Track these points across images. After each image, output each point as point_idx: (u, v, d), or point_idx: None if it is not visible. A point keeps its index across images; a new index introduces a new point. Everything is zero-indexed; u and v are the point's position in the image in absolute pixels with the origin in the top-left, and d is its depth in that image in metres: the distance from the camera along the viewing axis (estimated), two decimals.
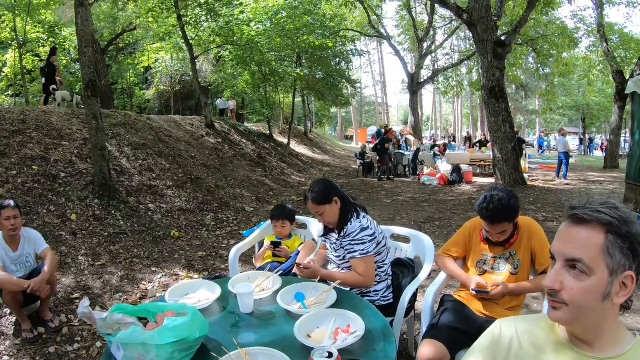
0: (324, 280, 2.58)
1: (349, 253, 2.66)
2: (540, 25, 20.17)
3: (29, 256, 3.75)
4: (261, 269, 3.43)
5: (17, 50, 14.70)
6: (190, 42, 14.17)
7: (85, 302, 1.69)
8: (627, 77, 17.64)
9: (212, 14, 13.75)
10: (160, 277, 5.20)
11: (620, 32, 21.75)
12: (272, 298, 2.29)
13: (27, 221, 5.33)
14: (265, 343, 1.79)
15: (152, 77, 23.45)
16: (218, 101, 21.56)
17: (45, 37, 16.91)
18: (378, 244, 2.72)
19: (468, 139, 25.09)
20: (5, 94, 17.45)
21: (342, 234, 2.69)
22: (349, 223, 2.68)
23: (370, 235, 2.65)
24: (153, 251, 6.01)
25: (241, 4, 14.56)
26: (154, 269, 5.44)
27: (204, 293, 2.34)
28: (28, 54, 16.63)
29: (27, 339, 3.61)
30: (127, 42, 20.23)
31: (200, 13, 13.83)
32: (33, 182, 6.26)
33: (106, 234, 6.06)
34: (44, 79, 11.85)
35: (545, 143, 34.37)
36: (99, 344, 3.64)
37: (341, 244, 2.72)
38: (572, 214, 1.12)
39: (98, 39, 16.47)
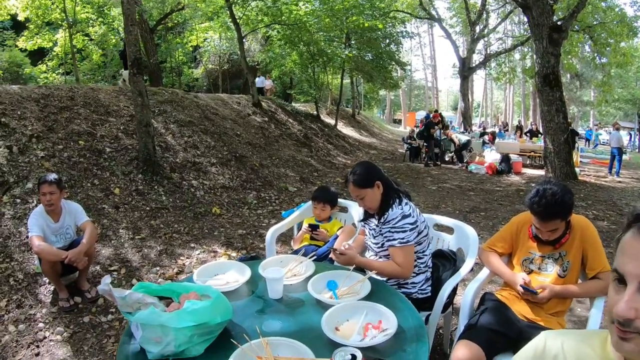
0: (360, 269, 2.47)
1: (388, 241, 2.53)
2: (598, 11, 19.11)
3: (69, 228, 3.82)
4: (297, 251, 3.36)
5: (67, 30, 15.13)
6: (238, 21, 14.16)
7: (107, 279, 1.65)
8: None
9: None
10: (199, 253, 5.24)
11: None
12: (303, 284, 2.20)
13: (71, 194, 5.49)
14: (291, 333, 1.71)
15: (201, 56, 23.69)
16: (257, 79, 21.16)
17: (94, 17, 17.32)
18: (419, 234, 2.58)
19: (519, 128, 24.31)
20: (57, 72, 18.02)
21: (382, 220, 2.56)
22: (390, 209, 2.54)
23: (411, 224, 2.51)
24: (193, 227, 6.05)
25: None
26: (192, 244, 5.49)
27: (233, 275, 2.28)
28: (78, 34, 17.13)
29: (63, 307, 3.70)
30: (175, 21, 20.35)
31: None
32: (79, 156, 6.39)
33: (148, 208, 6.14)
34: (122, 61, 12.62)
35: (593, 136, 32.83)
36: None
37: (380, 231, 2.58)
38: None
39: (147, 19, 16.66)
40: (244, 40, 14.96)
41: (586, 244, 2.33)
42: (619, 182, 12.96)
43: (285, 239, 5.44)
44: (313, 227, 3.50)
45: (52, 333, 3.40)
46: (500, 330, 2.23)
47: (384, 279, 2.57)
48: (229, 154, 9.25)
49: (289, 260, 2.49)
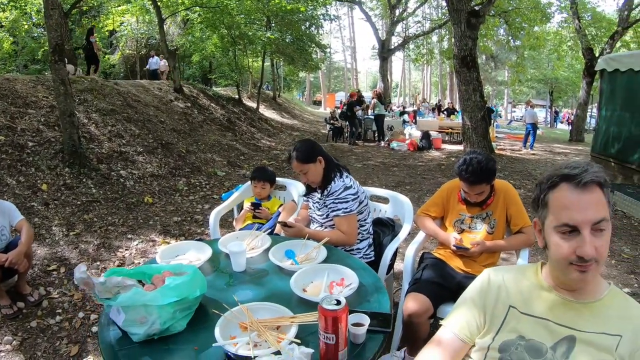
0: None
1: (333, 211, 2.74)
2: None
3: (4, 229, 3.57)
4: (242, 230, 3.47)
5: None
6: (158, 3, 13.75)
7: (82, 267, 1.61)
8: (597, 55, 18.00)
9: None
10: (137, 244, 5.20)
11: (592, 10, 22.20)
12: (262, 256, 2.35)
13: None
14: (261, 299, 1.84)
15: (117, 41, 22.58)
16: (151, 60, 19.12)
17: (5, 1, 16.08)
18: (360, 203, 2.81)
19: (438, 106, 25.36)
20: None
21: (325, 193, 2.76)
22: (333, 182, 2.75)
23: (353, 194, 2.73)
24: (127, 218, 5.98)
25: None
26: (129, 235, 5.43)
27: (194, 254, 2.37)
28: None
29: (7, 315, 3.50)
30: (90, 4, 19.14)
31: None
32: (0, 152, 6.10)
33: (79, 202, 5.98)
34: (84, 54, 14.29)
35: (495, 112, 34.61)
36: (81, 314, 3.62)
37: (324, 203, 2.79)
38: (586, 181, 1.18)
39: (60, 2, 15.76)
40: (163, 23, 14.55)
41: (509, 204, 2.68)
42: (533, 154, 14.04)
43: (222, 222, 5.51)
44: (255, 206, 3.63)
45: (1, 343, 3.24)
46: (442, 282, 2.53)
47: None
48: (155, 141, 9.11)
49: (244, 235, 2.61)
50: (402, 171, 10.02)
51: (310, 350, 1.40)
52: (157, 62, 18.85)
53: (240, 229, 3.57)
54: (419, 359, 1.42)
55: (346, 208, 2.70)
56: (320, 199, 2.84)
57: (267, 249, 2.38)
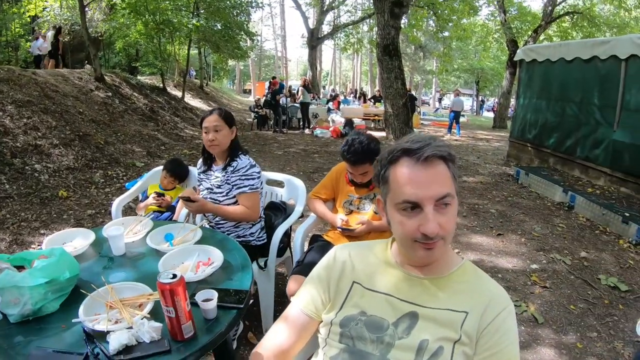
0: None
1: (238, 188, 2.80)
2: None
3: None
4: None
5: None
6: None
7: None
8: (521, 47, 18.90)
9: None
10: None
11: (519, 5, 23.33)
12: (143, 240, 2.41)
13: None
14: (133, 280, 1.91)
15: (39, 28, 21.40)
16: (33, 44, 16.45)
17: None
18: (261, 184, 2.94)
19: (362, 94, 25.87)
20: None
21: (230, 170, 2.81)
22: (238, 158, 2.83)
23: (257, 173, 2.84)
24: (41, 213, 5.84)
25: None
26: (42, 231, 5.33)
27: (80, 241, 2.40)
28: None
29: None
30: None
31: None
32: None
33: None
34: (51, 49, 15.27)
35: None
36: None
37: (227, 179, 2.83)
38: (427, 155, 1.14)
39: None
40: (86, 9, 13.91)
41: None
42: (456, 140, 14.63)
43: (129, 212, 5.51)
44: (159, 195, 3.70)
45: None
46: None
47: (233, 223, 2.91)
48: (72, 133, 8.80)
49: (129, 221, 2.65)
50: (322, 157, 10.26)
51: (159, 325, 1.51)
52: (41, 45, 15.72)
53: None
54: (268, 334, 1.43)
55: (253, 185, 2.80)
56: (223, 175, 2.86)
57: (149, 233, 2.46)
